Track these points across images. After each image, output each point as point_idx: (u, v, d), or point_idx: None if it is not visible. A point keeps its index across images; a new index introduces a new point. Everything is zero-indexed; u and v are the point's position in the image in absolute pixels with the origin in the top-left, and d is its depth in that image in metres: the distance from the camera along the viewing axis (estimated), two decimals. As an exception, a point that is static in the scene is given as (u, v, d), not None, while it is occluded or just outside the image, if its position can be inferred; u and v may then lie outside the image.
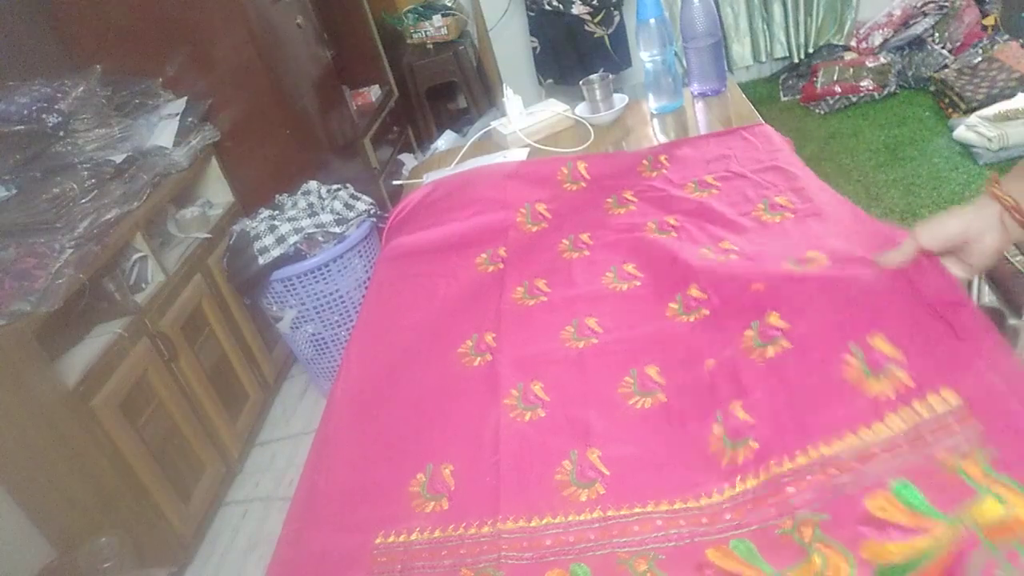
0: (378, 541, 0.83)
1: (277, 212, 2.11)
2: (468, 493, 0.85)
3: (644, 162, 1.42)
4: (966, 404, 0.67)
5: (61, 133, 1.83)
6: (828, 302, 0.85)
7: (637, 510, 0.76)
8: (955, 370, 0.70)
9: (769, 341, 0.86)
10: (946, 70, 2.92)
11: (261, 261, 1.98)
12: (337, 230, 2.05)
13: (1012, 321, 0.85)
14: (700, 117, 1.62)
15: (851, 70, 3.13)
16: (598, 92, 1.68)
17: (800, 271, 0.92)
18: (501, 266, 1.27)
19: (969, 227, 0.72)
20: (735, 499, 0.72)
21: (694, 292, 1.01)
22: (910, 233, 0.76)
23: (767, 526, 0.68)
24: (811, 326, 0.84)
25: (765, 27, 3.53)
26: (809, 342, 0.82)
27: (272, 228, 2.00)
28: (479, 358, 1.07)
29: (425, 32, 3.35)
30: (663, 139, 1.57)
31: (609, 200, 1.36)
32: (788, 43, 3.53)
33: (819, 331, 0.83)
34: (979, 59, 2.85)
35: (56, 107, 1.82)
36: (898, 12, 3.29)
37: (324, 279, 2.05)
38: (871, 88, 3.08)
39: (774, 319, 0.87)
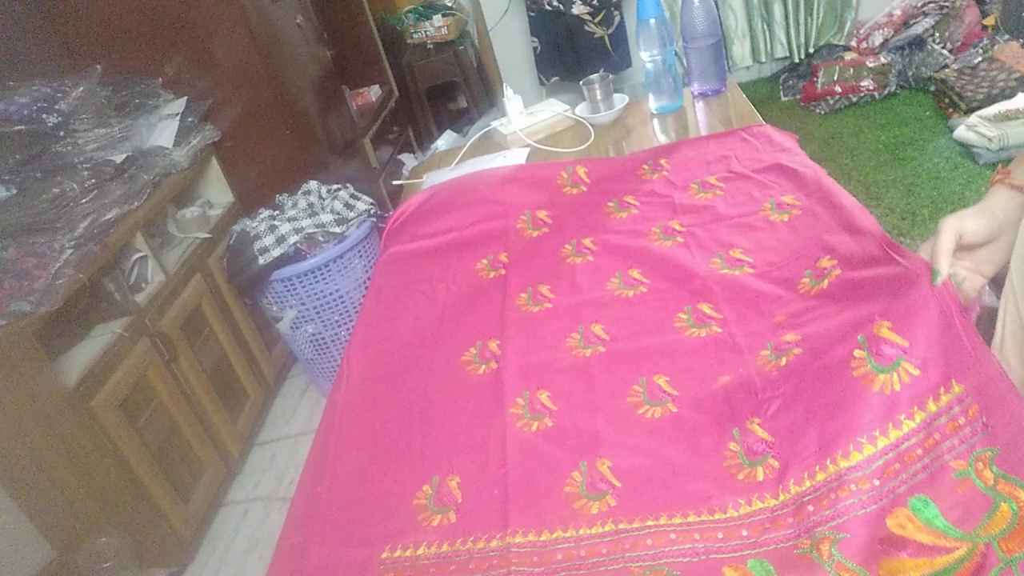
0: (384, 556, 0.81)
1: (277, 212, 2.10)
2: (476, 506, 0.84)
3: (644, 166, 1.42)
4: (966, 390, 0.67)
5: (61, 133, 1.82)
6: (839, 307, 0.85)
7: (650, 523, 0.74)
8: (956, 357, 0.69)
9: (783, 353, 0.85)
10: (946, 70, 2.91)
11: (261, 261, 1.98)
12: (337, 230, 2.05)
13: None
14: (700, 117, 1.62)
15: (851, 70, 3.13)
16: (598, 92, 1.68)
17: (817, 288, 0.92)
18: (503, 272, 1.26)
19: (1006, 213, 0.74)
20: (751, 516, 0.71)
21: (706, 309, 1.00)
22: (943, 226, 0.74)
23: (786, 547, 0.67)
24: (822, 330, 0.84)
25: (765, 27, 3.53)
26: (820, 344, 0.82)
27: (272, 228, 2.00)
28: (484, 366, 1.05)
29: (425, 32, 3.35)
30: (663, 139, 1.57)
31: (610, 204, 1.35)
32: (788, 43, 3.52)
33: (829, 332, 0.83)
34: (979, 59, 2.85)
35: (56, 107, 1.82)
36: (898, 12, 3.29)
37: (324, 279, 2.05)
38: (871, 88, 3.08)
39: (790, 336, 0.88)
